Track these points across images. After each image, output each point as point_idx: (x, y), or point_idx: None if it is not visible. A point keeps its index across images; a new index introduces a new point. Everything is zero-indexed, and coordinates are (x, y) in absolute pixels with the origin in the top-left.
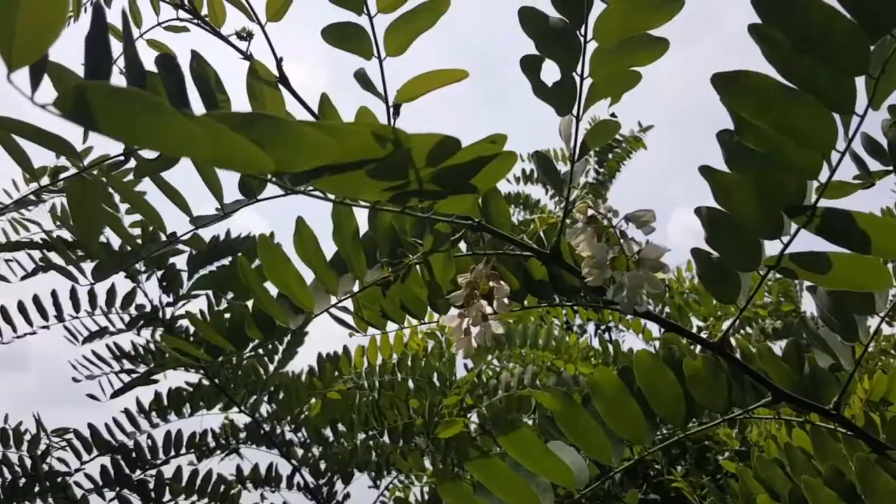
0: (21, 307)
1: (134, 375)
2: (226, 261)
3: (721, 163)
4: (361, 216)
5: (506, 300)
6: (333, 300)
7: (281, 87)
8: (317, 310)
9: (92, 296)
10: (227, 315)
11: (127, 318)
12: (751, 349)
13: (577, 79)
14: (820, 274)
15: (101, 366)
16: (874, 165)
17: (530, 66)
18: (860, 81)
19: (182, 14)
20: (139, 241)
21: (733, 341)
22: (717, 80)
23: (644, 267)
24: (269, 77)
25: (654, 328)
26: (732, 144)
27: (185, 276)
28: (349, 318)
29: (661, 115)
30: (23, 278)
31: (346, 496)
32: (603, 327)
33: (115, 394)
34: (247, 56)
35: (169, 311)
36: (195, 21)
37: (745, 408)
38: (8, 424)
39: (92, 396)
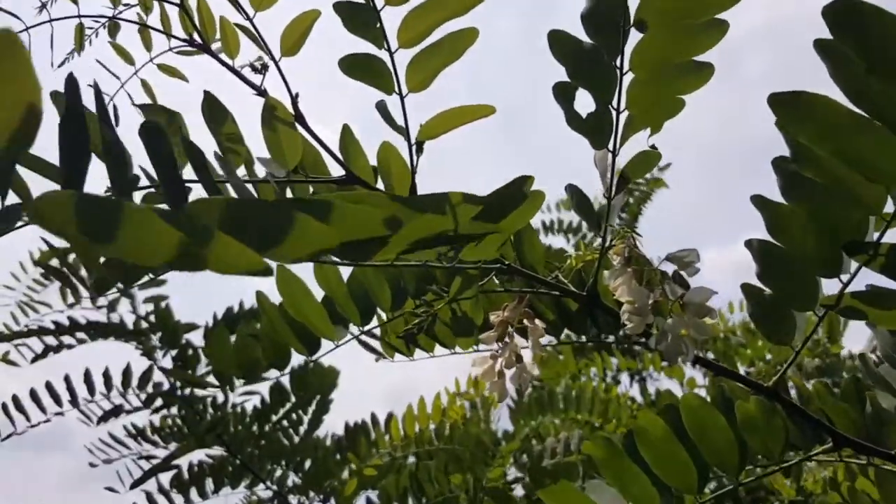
0: (33, 394)
1: (154, 461)
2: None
3: (770, 193)
4: None
5: (542, 340)
6: (356, 331)
7: (299, 126)
8: (337, 339)
9: (107, 377)
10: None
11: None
12: (808, 389)
13: (614, 112)
14: (889, 310)
15: (119, 448)
16: None
17: (563, 94)
18: None
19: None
20: None
21: (789, 382)
22: (775, 101)
23: (689, 312)
24: (285, 115)
25: (698, 375)
26: (789, 173)
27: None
28: (377, 344)
29: (682, 153)
30: (33, 360)
31: None
32: (637, 377)
33: (135, 484)
34: (261, 92)
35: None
36: (206, 52)
37: (804, 454)
38: None
39: (110, 489)
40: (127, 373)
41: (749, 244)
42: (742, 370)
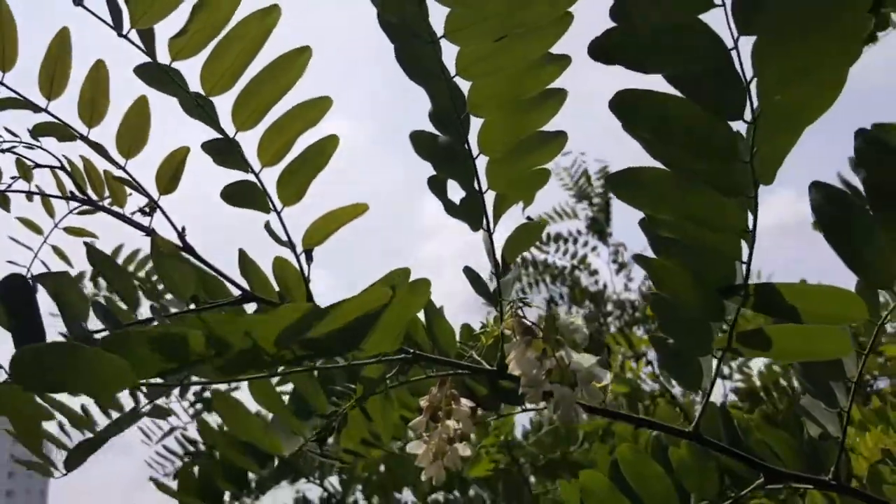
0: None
1: None
2: None
3: None
4: None
5: (468, 419)
6: (301, 440)
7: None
8: (287, 451)
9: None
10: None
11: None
12: (745, 421)
13: (479, 193)
14: (768, 350)
15: (174, 459)
16: None
17: (436, 187)
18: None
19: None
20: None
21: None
22: (610, 182)
23: (578, 379)
24: (171, 249)
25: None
26: (652, 235)
27: None
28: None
29: None
30: None
31: None
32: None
33: (178, 475)
34: (149, 232)
35: None
36: (99, 209)
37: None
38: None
39: (155, 480)
40: None
41: (645, 297)
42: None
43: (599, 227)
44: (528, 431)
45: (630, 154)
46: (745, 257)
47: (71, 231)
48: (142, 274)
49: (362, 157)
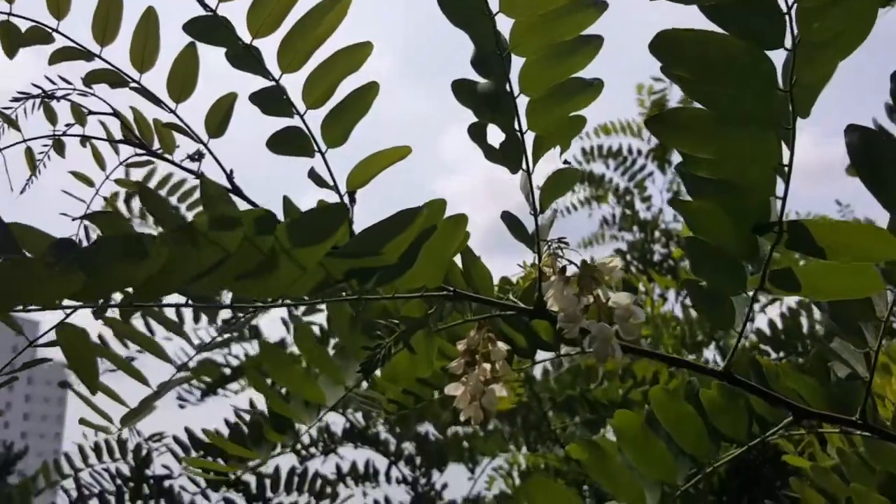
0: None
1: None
2: None
3: None
4: None
5: (504, 362)
6: (343, 390)
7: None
8: (330, 401)
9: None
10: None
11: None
12: (774, 367)
13: (519, 134)
14: (800, 289)
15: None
16: None
17: (477, 133)
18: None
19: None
20: None
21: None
22: (651, 125)
23: (615, 315)
24: (220, 192)
25: None
26: (687, 175)
27: None
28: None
29: None
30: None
31: (444, 486)
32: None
33: (205, 393)
34: (197, 176)
35: None
36: (150, 154)
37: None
38: (110, 436)
39: (182, 399)
40: None
41: (679, 242)
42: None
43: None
44: (547, 370)
45: None
46: (780, 193)
47: (121, 183)
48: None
49: (381, 91)
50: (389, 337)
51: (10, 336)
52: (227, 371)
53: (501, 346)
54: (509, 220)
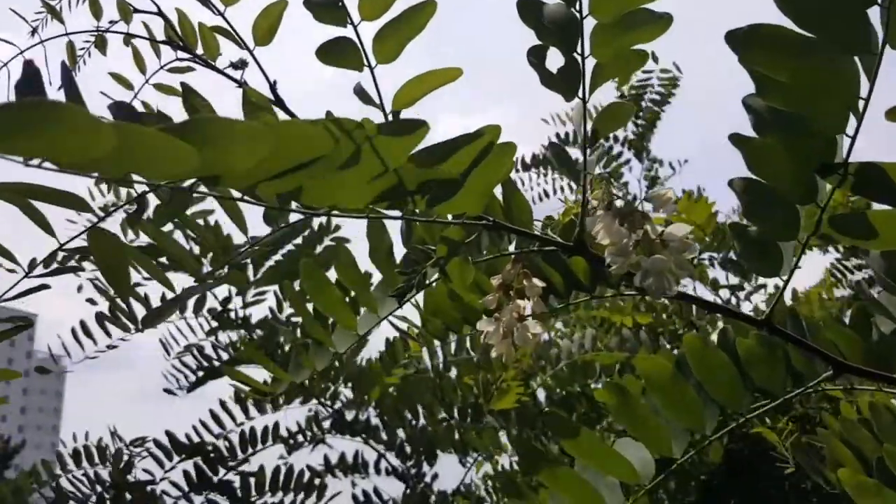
0: (99, 318)
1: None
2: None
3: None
4: None
5: (540, 298)
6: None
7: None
8: (361, 330)
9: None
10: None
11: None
12: (815, 319)
13: (580, 59)
14: (864, 237)
15: (189, 374)
16: None
17: (535, 56)
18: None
19: (181, 54)
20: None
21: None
22: (731, 38)
23: (669, 249)
24: (263, 101)
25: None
26: (757, 108)
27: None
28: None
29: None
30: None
31: (435, 476)
32: None
33: (191, 388)
34: (240, 84)
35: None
36: (192, 59)
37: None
38: (90, 441)
39: (168, 391)
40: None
41: (731, 184)
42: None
43: (640, 142)
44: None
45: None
46: (851, 131)
47: (161, 88)
48: None
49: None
50: (426, 263)
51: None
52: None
53: (537, 282)
54: (556, 150)
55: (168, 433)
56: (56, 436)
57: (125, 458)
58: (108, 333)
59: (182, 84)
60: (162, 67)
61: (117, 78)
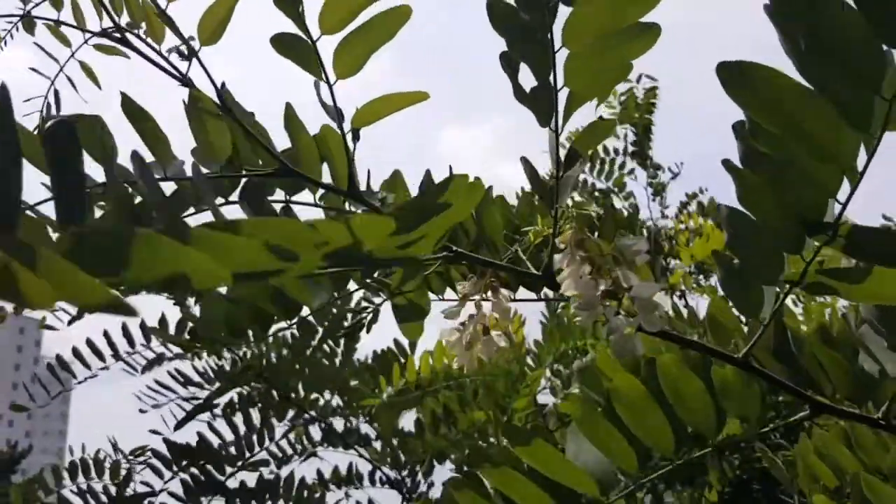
0: (76, 352)
1: (197, 402)
2: None
3: None
4: None
5: (505, 312)
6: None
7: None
8: (315, 304)
9: (144, 329)
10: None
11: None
12: (803, 336)
13: (553, 90)
14: (853, 293)
15: (167, 393)
16: None
17: (508, 65)
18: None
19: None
20: None
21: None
22: (722, 70)
23: (638, 307)
24: (210, 106)
25: None
26: (746, 143)
27: None
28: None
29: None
30: (70, 323)
31: (430, 485)
32: (678, 293)
33: (179, 424)
34: (185, 82)
35: None
36: (133, 33)
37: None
38: (87, 454)
39: (154, 432)
40: (163, 322)
41: (720, 210)
42: None
43: (641, 150)
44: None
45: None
46: (843, 197)
47: (101, 49)
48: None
49: (378, 90)
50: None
51: (15, 335)
52: None
53: (504, 293)
54: (529, 170)
55: (166, 440)
56: (63, 441)
57: (124, 470)
58: (87, 366)
59: (121, 93)
60: (86, 41)
61: (56, 34)
